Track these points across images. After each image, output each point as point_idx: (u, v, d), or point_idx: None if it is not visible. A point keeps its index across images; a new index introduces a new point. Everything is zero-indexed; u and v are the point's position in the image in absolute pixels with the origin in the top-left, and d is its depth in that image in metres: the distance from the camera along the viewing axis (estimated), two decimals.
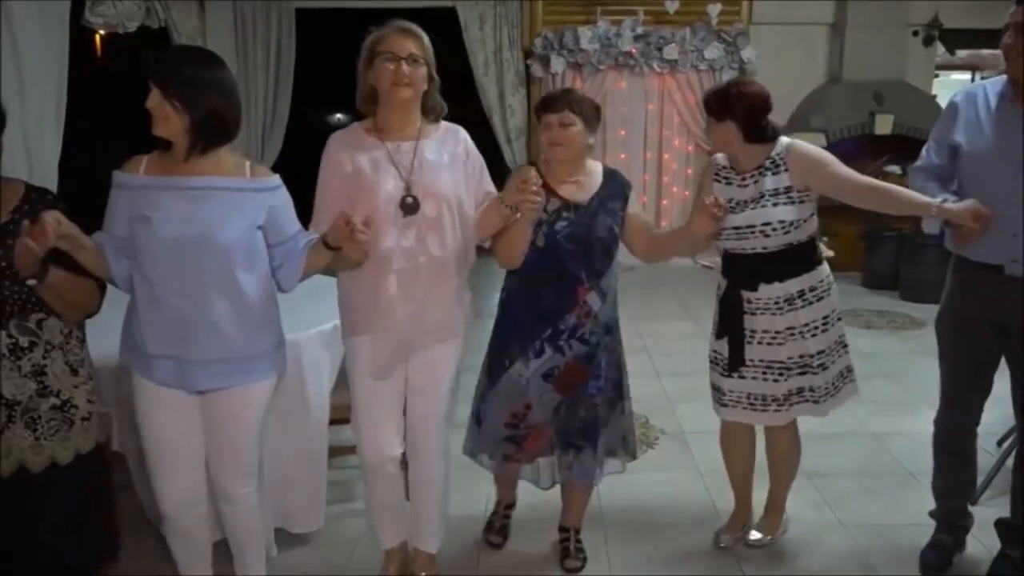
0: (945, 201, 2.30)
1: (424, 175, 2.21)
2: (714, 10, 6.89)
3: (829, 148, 6.82)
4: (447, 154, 2.27)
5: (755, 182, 2.47)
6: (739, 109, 2.43)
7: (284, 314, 2.56)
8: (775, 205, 2.44)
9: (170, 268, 1.96)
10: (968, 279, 2.42)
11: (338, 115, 9.55)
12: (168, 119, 1.94)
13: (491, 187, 2.36)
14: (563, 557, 2.67)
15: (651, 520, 2.92)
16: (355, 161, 2.21)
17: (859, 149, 6.64)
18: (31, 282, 1.85)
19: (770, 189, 2.45)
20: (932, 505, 2.67)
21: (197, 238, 1.96)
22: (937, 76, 7.61)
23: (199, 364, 2.03)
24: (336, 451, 2.97)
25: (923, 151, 2.52)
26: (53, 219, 1.76)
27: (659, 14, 6.97)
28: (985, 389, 2.49)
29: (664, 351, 4.74)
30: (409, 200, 2.18)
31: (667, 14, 6.94)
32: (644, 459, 3.38)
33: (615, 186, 2.49)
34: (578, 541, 2.70)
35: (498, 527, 2.76)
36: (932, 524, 2.67)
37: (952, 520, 2.63)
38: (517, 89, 7.21)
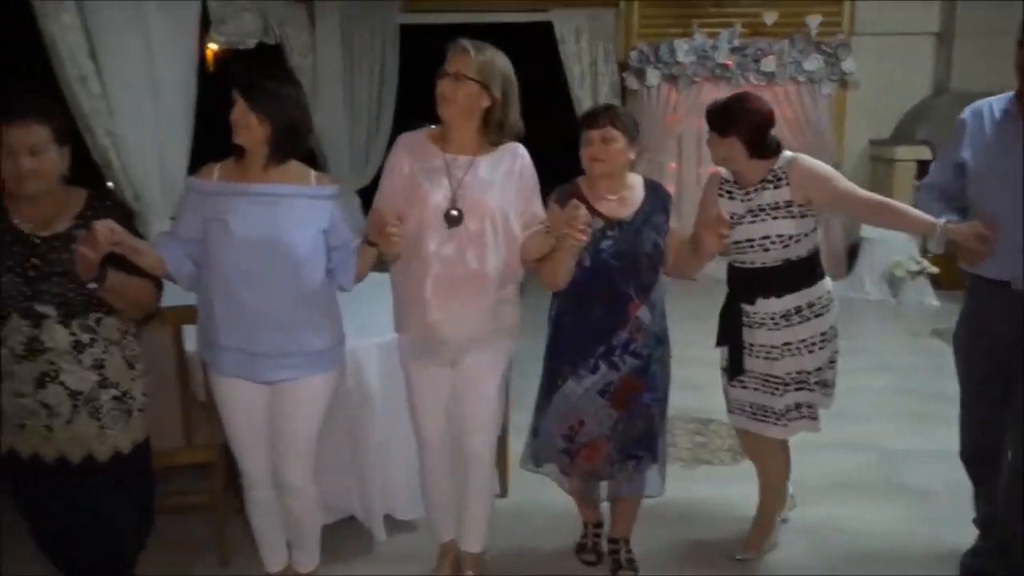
0: (949, 222, 2.28)
1: (473, 191, 2.27)
2: (814, 22, 6.79)
3: (935, 160, 6.65)
4: (502, 172, 2.31)
5: (759, 194, 2.49)
6: (744, 125, 2.44)
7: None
8: (774, 219, 2.45)
9: (244, 267, 2.13)
10: (982, 295, 2.39)
11: (432, 126, 9.82)
12: (251, 128, 2.12)
13: (539, 208, 2.37)
14: (615, 569, 2.67)
15: (740, 529, 2.90)
16: (413, 165, 2.31)
17: None
18: (91, 285, 1.96)
19: (769, 203, 2.46)
20: None
21: (270, 241, 2.13)
22: None
23: (267, 357, 2.19)
24: None
25: (931, 167, 2.54)
26: (105, 228, 1.89)
27: (757, 26, 6.92)
28: (1006, 401, 2.40)
29: None
30: (453, 213, 2.25)
31: (765, 26, 6.89)
32: (736, 470, 3.41)
33: (657, 200, 2.48)
34: (629, 551, 2.71)
35: (590, 547, 2.78)
36: None
37: (994, 526, 2.57)
38: (612, 102, 7.29)
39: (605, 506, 2.78)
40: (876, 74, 6.75)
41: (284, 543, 2.49)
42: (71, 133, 2.09)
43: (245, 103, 2.12)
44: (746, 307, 2.54)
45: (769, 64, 6.76)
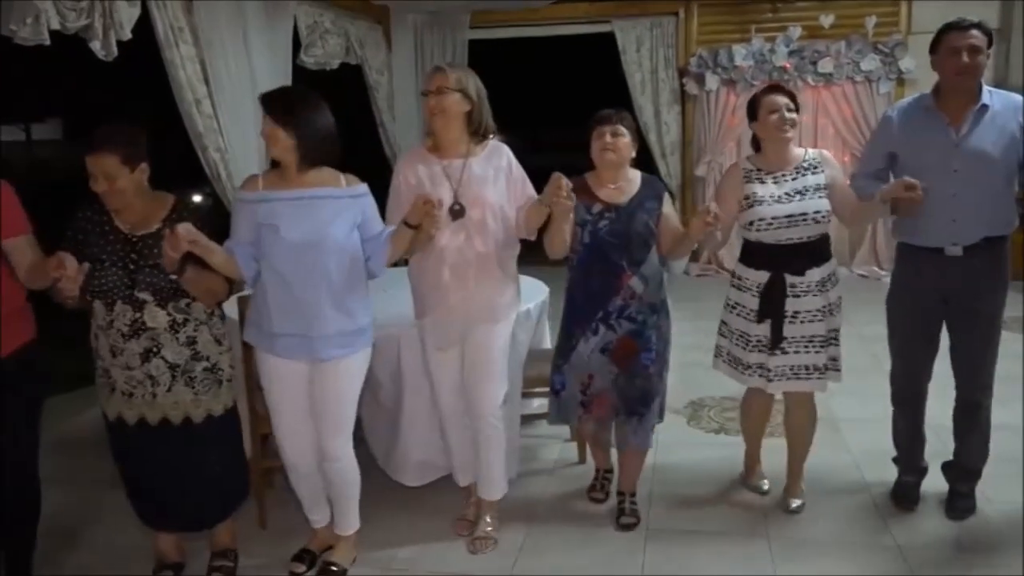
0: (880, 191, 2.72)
1: (471, 186, 2.68)
2: (870, 22, 6.93)
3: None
4: (493, 168, 2.72)
5: (796, 178, 2.87)
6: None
7: None
8: (820, 198, 2.84)
9: (295, 263, 2.44)
10: (914, 261, 2.88)
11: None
12: (279, 141, 2.41)
13: (532, 191, 2.78)
14: (619, 516, 3.04)
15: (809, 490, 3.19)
16: (418, 175, 2.71)
17: None
18: (173, 276, 2.36)
19: (812, 185, 2.86)
20: None
21: (314, 238, 2.44)
22: None
23: (322, 338, 2.50)
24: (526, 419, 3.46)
25: (860, 161, 2.98)
26: (184, 230, 2.24)
27: (814, 28, 7.09)
28: (933, 350, 2.94)
29: None
30: (456, 207, 2.67)
31: (822, 28, 7.06)
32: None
33: (651, 189, 2.88)
34: (632, 503, 3.07)
35: (599, 487, 3.21)
36: None
37: (913, 464, 3.11)
38: (672, 107, 7.55)
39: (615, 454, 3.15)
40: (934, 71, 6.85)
41: (326, 501, 2.77)
42: (149, 152, 2.43)
43: (272, 120, 2.42)
44: (794, 279, 2.86)
45: (826, 65, 6.93)
